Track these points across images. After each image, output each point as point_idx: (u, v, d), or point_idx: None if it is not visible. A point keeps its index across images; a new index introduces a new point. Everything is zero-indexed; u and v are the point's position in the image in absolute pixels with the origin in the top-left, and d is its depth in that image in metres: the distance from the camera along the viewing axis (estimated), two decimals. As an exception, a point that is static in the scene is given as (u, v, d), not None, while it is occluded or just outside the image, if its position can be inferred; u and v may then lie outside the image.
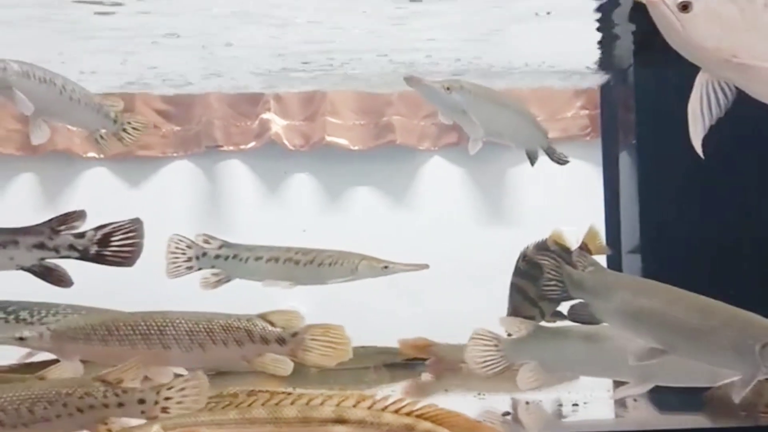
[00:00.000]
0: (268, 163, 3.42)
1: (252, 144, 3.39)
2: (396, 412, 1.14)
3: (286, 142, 3.37)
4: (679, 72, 1.15)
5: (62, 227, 1.59)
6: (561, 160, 2.10)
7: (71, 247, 1.58)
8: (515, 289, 2.15)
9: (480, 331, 1.93)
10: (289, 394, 1.18)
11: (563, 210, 3.21)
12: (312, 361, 1.64)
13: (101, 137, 1.82)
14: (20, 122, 3.33)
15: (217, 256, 1.87)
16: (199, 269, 1.88)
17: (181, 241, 1.88)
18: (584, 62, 2.87)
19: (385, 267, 2.01)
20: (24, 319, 1.86)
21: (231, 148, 3.40)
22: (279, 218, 3.38)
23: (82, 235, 1.60)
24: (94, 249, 1.60)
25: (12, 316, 1.86)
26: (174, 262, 1.88)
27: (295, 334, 1.64)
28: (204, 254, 1.87)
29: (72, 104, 1.72)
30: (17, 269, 1.59)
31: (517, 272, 2.15)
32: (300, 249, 1.92)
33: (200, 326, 1.61)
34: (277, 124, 3.35)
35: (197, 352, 1.59)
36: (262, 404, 1.12)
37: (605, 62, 2.85)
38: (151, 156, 3.41)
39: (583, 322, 1.80)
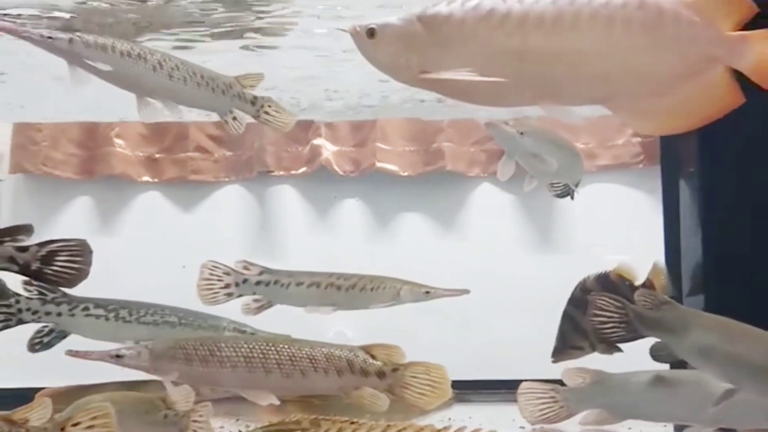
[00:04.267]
0: (319, 188, 3.45)
1: (303, 169, 3.42)
2: None
3: (336, 168, 3.39)
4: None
5: (6, 239, 1.54)
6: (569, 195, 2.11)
7: (11, 259, 1.53)
8: (567, 318, 2.11)
9: (529, 385, 1.92)
10: (360, 423, 1.16)
11: (613, 238, 3.16)
12: (409, 400, 1.63)
13: (233, 118, 1.77)
14: (78, 147, 3.42)
15: (258, 282, 1.88)
16: (240, 296, 1.88)
17: (215, 267, 1.89)
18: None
19: (427, 292, 1.99)
20: (123, 318, 1.88)
21: (282, 173, 3.43)
22: (328, 243, 3.40)
23: (24, 249, 1.54)
24: (35, 265, 1.53)
25: (112, 314, 1.89)
26: (210, 289, 1.88)
27: (395, 370, 1.63)
28: (244, 281, 1.87)
29: (175, 83, 1.68)
30: None
31: (572, 301, 2.11)
32: (342, 274, 1.91)
33: (303, 352, 1.60)
34: (328, 150, 3.38)
35: (297, 379, 1.59)
36: None
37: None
38: (203, 180, 3.46)
39: (665, 362, 1.78)
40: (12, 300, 1.83)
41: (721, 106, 1.09)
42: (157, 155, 3.46)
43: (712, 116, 1.11)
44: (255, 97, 1.79)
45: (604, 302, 1.72)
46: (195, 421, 1.49)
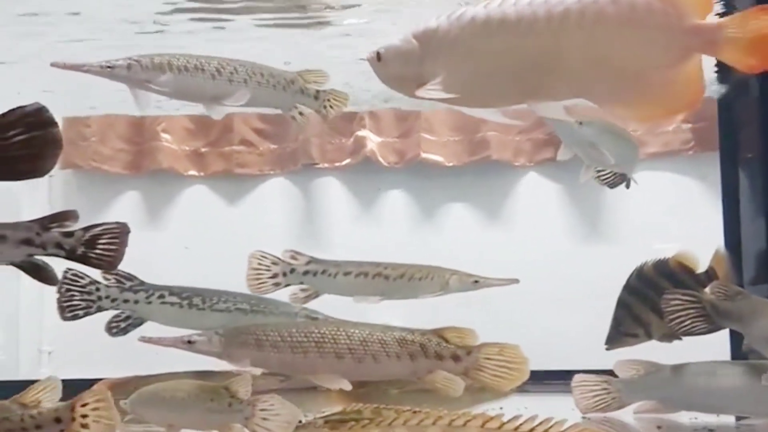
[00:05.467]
0: (363, 179, 3.44)
1: (347, 161, 3.42)
2: None
3: (380, 159, 3.38)
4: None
5: (53, 225, 1.56)
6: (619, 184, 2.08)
7: (58, 245, 1.55)
8: (622, 305, 2.08)
9: (582, 377, 1.90)
10: (422, 412, 1.15)
11: (663, 227, 3.10)
12: (484, 382, 1.61)
13: (299, 114, 1.80)
14: (126, 142, 3.46)
15: (306, 272, 1.88)
16: (287, 285, 1.89)
17: (264, 257, 1.90)
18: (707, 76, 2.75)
19: (476, 281, 1.98)
20: (196, 305, 1.91)
21: (326, 165, 3.44)
22: (373, 235, 3.39)
23: (70, 234, 1.56)
24: (80, 249, 1.56)
25: (186, 302, 1.92)
26: (258, 279, 1.89)
27: (469, 352, 1.61)
28: (292, 270, 1.88)
29: (236, 86, 1.71)
30: (6, 264, 1.59)
31: (628, 288, 2.08)
32: (389, 264, 1.91)
33: (374, 337, 1.60)
34: (372, 141, 3.37)
35: (369, 364, 1.59)
36: (404, 423, 1.08)
37: (724, 73, 2.72)
38: (248, 174, 3.48)
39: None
40: (92, 288, 1.87)
41: (686, 100, 1.11)
42: (203, 149, 3.48)
43: (693, 105, 1.13)
44: (318, 92, 1.80)
45: (678, 298, 1.70)
46: (263, 409, 1.49)
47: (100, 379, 2.22)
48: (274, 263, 1.87)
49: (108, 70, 1.67)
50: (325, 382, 1.57)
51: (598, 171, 2.01)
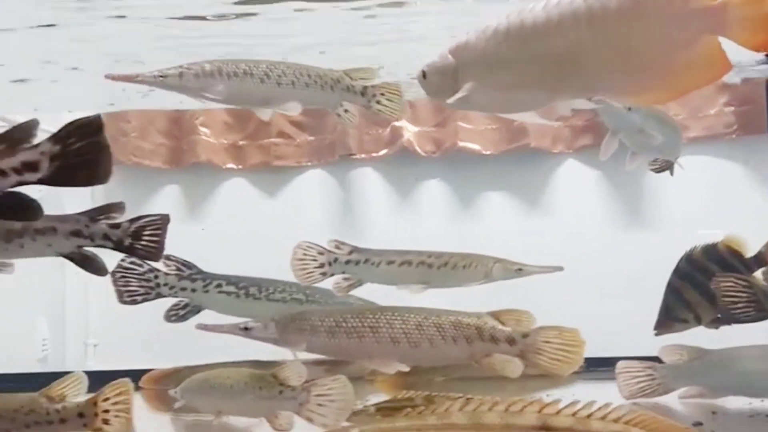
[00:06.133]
0: (400, 170, 3.44)
1: (384, 151, 3.42)
2: (602, 418, 1.08)
3: (417, 149, 3.38)
4: None
5: (100, 217, 1.62)
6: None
7: (106, 236, 1.60)
8: (671, 289, 2.06)
9: (625, 364, 1.89)
10: (473, 399, 1.15)
11: (705, 212, 3.07)
12: (542, 365, 1.60)
13: (345, 111, 1.81)
14: (165, 137, 3.49)
15: (348, 261, 1.89)
16: (331, 275, 1.90)
17: (310, 248, 1.91)
18: (753, 56, 2.70)
19: (519, 269, 1.97)
20: (252, 295, 1.94)
21: (363, 156, 3.44)
22: (411, 225, 3.39)
23: (117, 226, 1.62)
24: (127, 240, 1.61)
25: (242, 291, 1.95)
26: (304, 269, 1.90)
27: (526, 335, 1.60)
28: (335, 260, 1.89)
29: (284, 89, 1.74)
30: (56, 255, 1.64)
31: (677, 272, 2.06)
32: (433, 252, 1.91)
33: (430, 321, 1.59)
34: (409, 131, 3.37)
35: (425, 348, 1.58)
36: (460, 409, 1.09)
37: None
38: (286, 166, 3.50)
39: None
40: (151, 275, 1.91)
41: (709, 75, 1.13)
42: (241, 142, 3.51)
43: (701, 85, 1.15)
44: (365, 88, 1.81)
45: (730, 283, 1.69)
46: (318, 395, 1.51)
47: (147, 370, 2.25)
48: (319, 253, 1.88)
49: (161, 80, 1.70)
50: (380, 367, 1.57)
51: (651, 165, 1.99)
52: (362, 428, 1.06)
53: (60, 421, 1.37)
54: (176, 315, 1.95)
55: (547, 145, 3.32)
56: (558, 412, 1.10)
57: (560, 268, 2.01)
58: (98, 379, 2.05)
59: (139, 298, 1.92)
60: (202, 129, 3.45)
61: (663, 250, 2.88)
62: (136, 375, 2.28)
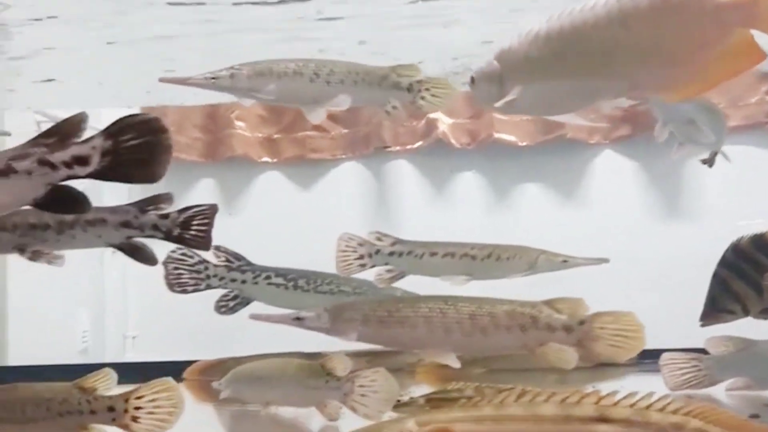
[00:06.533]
0: (435, 162, 3.44)
1: (419, 144, 3.42)
2: (661, 410, 1.07)
3: (452, 141, 3.37)
4: None
5: (149, 208, 1.63)
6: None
7: (155, 227, 1.61)
8: (718, 280, 2.03)
9: (670, 356, 1.87)
10: (525, 391, 1.14)
11: (745, 202, 3.03)
12: (600, 353, 1.56)
13: (393, 108, 1.82)
14: (201, 130, 3.52)
15: (391, 253, 1.88)
16: (373, 266, 1.90)
17: (351, 239, 1.91)
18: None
19: (564, 261, 1.96)
20: (301, 287, 1.95)
21: (398, 148, 3.44)
22: (446, 217, 3.39)
23: (166, 216, 1.62)
24: (176, 231, 1.62)
25: (291, 284, 1.96)
26: (345, 260, 1.90)
27: (582, 323, 1.57)
28: (377, 251, 1.89)
29: (334, 87, 1.74)
30: (107, 246, 1.65)
31: (724, 263, 2.03)
32: (476, 244, 1.90)
33: (483, 310, 1.57)
34: (444, 123, 3.36)
35: (478, 337, 1.56)
36: (516, 400, 1.08)
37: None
38: (321, 159, 3.51)
39: None
40: (201, 266, 1.93)
41: (742, 65, 1.15)
42: (276, 135, 3.52)
43: (732, 76, 1.17)
44: (411, 84, 1.81)
45: None
46: (362, 385, 1.51)
47: (185, 362, 2.27)
48: (360, 245, 1.88)
49: (212, 81, 1.71)
50: (433, 357, 1.57)
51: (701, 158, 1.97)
52: (417, 419, 1.05)
53: (90, 412, 1.39)
54: (225, 306, 1.96)
55: (583, 135, 3.30)
56: (616, 404, 1.08)
57: (606, 260, 1.99)
58: (137, 371, 2.08)
59: (189, 288, 1.94)
60: (238, 123, 3.47)
61: (702, 242, 2.85)
62: (173, 367, 2.31)
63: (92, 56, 2.39)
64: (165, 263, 1.95)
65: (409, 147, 3.43)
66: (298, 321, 1.61)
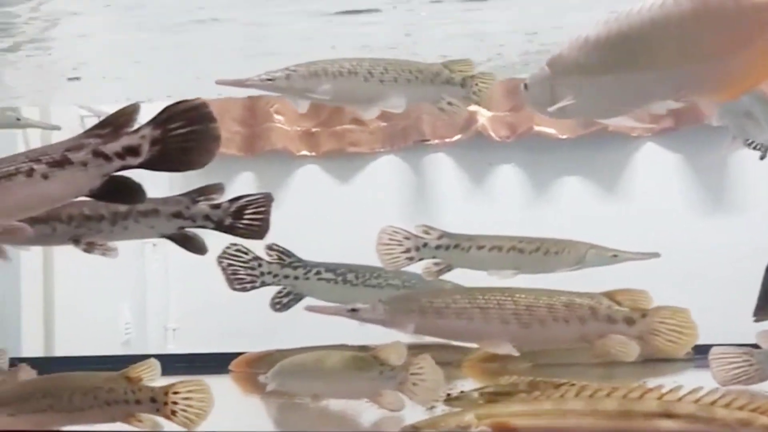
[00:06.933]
0: (474, 155, 3.42)
1: (458, 137, 3.40)
2: (727, 405, 1.05)
3: (492, 134, 3.35)
4: None
5: (200, 198, 1.63)
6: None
7: (206, 217, 1.61)
8: None
9: (720, 350, 1.83)
10: (583, 386, 1.13)
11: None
12: (658, 347, 1.54)
13: (448, 104, 1.81)
14: (241, 124, 3.53)
15: (438, 246, 1.87)
16: (420, 259, 1.89)
17: (396, 232, 1.89)
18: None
19: (614, 256, 1.93)
20: (350, 281, 1.96)
21: (437, 141, 3.43)
22: (485, 211, 3.37)
23: (217, 206, 1.62)
24: (228, 220, 1.61)
25: (340, 278, 1.96)
26: (390, 254, 1.89)
27: (644, 315, 1.54)
28: (424, 245, 1.87)
29: (387, 86, 1.74)
30: (159, 237, 1.65)
31: None
32: (524, 237, 1.88)
33: (541, 301, 1.55)
34: (483, 116, 3.34)
35: (536, 329, 1.54)
36: (576, 395, 1.07)
37: None
38: (359, 152, 3.50)
39: None
40: (255, 263, 1.93)
41: None
42: (315, 129, 3.52)
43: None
44: (464, 79, 1.80)
45: None
46: (414, 374, 1.51)
47: (225, 354, 2.28)
48: (406, 238, 1.86)
49: (268, 83, 1.71)
50: (490, 348, 1.55)
51: (748, 141, 1.93)
52: (477, 412, 1.05)
53: (135, 402, 1.42)
54: (280, 303, 1.96)
55: (625, 128, 3.26)
56: (680, 399, 1.07)
57: (657, 255, 1.96)
58: (178, 362, 2.09)
59: (248, 285, 1.95)
60: (277, 116, 3.48)
61: (748, 235, 2.81)
62: (213, 359, 2.32)
63: (133, 52, 2.41)
64: (220, 261, 1.95)
65: (447, 140, 3.41)
66: (353, 313, 1.60)
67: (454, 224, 3.27)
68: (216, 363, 2.24)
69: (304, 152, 3.52)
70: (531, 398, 1.12)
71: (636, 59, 1.23)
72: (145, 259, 3.37)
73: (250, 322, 2.52)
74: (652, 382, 1.73)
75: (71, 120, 2.78)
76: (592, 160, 3.30)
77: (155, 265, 3.39)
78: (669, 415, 1.06)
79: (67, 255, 2.88)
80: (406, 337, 1.64)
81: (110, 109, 1.40)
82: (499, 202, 3.40)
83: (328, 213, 3.44)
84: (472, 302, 1.55)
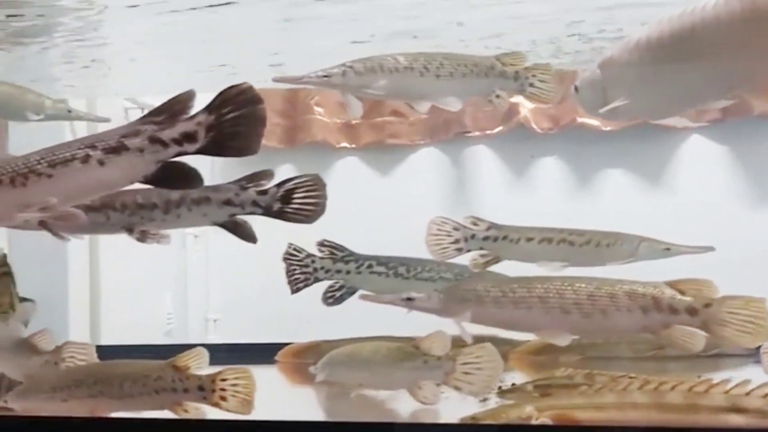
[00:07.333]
0: (515, 147, 3.39)
1: (499, 128, 3.37)
2: None
3: (534, 126, 3.32)
4: None
5: (249, 185, 1.62)
6: None
7: (255, 203, 1.60)
8: None
9: None
10: (638, 378, 1.11)
11: None
12: (727, 338, 1.50)
13: (497, 97, 1.80)
14: (281, 116, 3.53)
15: (486, 238, 1.85)
16: (468, 251, 1.87)
17: (445, 223, 1.88)
18: None
19: (667, 249, 1.89)
20: (401, 274, 1.96)
21: (477, 133, 3.40)
22: (526, 203, 3.34)
23: (265, 192, 1.61)
24: (276, 205, 1.60)
25: (392, 271, 1.96)
26: (439, 244, 1.88)
27: (708, 305, 1.51)
28: (473, 236, 1.86)
29: (443, 81, 1.72)
30: (211, 225, 1.65)
31: None
32: (574, 230, 1.85)
33: (602, 291, 1.52)
34: (525, 108, 3.31)
35: (597, 319, 1.51)
36: (640, 388, 1.05)
37: None
38: (399, 144, 3.49)
39: None
40: (308, 260, 1.93)
41: None
42: (355, 121, 3.51)
43: None
44: (517, 73, 1.78)
45: None
46: (465, 363, 1.50)
47: (264, 344, 2.29)
48: (455, 228, 1.85)
49: (325, 80, 1.70)
50: (550, 339, 1.53)
51: None
52: (537, 405, 1.03)
53: (183, 390, 1.43)
54: (333, 297, 1.96)
55: (671, 120, 3.21)
56: (748, 393, 1.04)
57: (711, 248, 1.92)
58: (218, 352, 2.10)
59: (301, 285, 1.95)
60: (317, 108, 3.47)
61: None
62: (254, 349, 2.33)
63: (176, 43, 2.41)
64: (286, 261, 1.96)
65: (488, 132, 3.39)
66: (408, 302, 1.59)
67: (494, 217, 3.25)
68: (257, 353, 2.25)
69: (344, 144, 3.52)
70: (592, 391, 1.10)
71: (689, 60, 1.25)
72: (186, 250, 3.39)
73: (289, 313, 2.52)
74: (706, 377, 1.71)
75: (116, 112, 2.80)
76: (637, 153, 3.25)
77: (196, 257, 3.41)
78: (737, 410, 1.04)
79: (112, 247, 2.92)
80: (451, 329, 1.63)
81: (154, 101, 1.40)
82: (540, 194, 3.37)
83: (368, 205, 3.43)
84: (531, 291, 1.52)
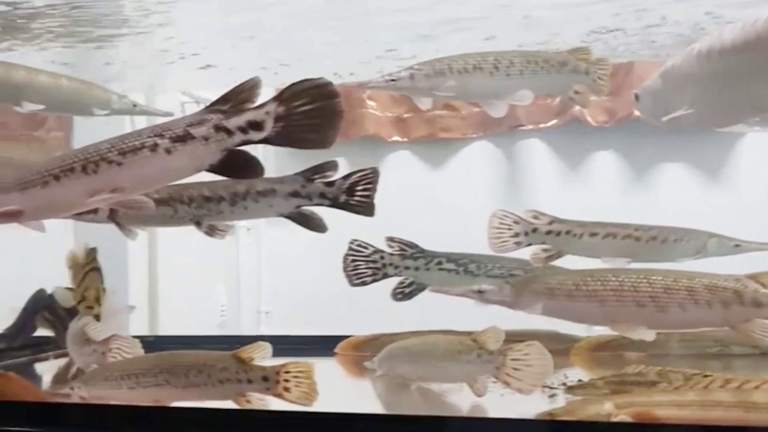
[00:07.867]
0: (569, 140, 3.35)
1: (553, 122, 3.33)
2: None
3: (589, 119, 3.27)
4: None
5: (315, 176, 1.63)
6: None
7: (322, 195, 1.62)
8: None
9: None
10: (714, 376, 1.08)
11: None
12: None
13: (575, 92, 1.78)
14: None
15: (549, 232, 1.82)
16: (529, 245, 1.84)
17: (506, 216, 1.85)
18: None
19: (737, 245, 1.84)
20: (471, 271, 1.95)
21: (531, 126, 3.37)
22: (581, 197, 3.30)
23: (331, 184, 1.63)
24: (342, 197, 1.62)
25: (462, 268, 1.95)
26: (499, 237, 1.85)
27: None
28: (534, 230, 1.83)
29: (513, 79, 1.71)
30: (277, 216, 1.66)
31: None
32: (640, 225, 1.81)
33: (680, 284, 1.49)
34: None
35: (674, 312, 1.48)
36: (722, 386, 1.02)
37: None
38: (452, 138, 3.47)
39: None
40: (377, 256, 1.93)
41: None
42: (406, 115, 3.50)
43: None
44: (587, 67, 1.75)
45: None
46: (514, 359, 1.48)
47: (315, 337, 2.29)
48: (515, 222, 1.82)
49: (392, 83, 1.70)
50: (625, 332, 1.50)
51: None
52: (616, 401, 1.01)
53: (247, 381, 1.44)
54: (402, 293, 1.95)
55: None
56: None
57: None
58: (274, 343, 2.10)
59: (368, 279, 1.94)
60: (369, 102, 3.46)
61: None
62: (304, 341, 2.33)
63: (232, 39, 2.42)
64: (345, 257, 1.96)
65: (542, 125, 3.35)
66: (479, 294, 1.58)
67: (548, 211, 3.22)
68: (307, 346, 2.25)
69: (396, 138, 3.51)
70: (672, 388, 1.07)
71: (750, 70, 1.25)
72: (239, 243, 3.41)
73: (339, 307, 2.52)
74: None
75: (173, 106, 2.82)
76: (695, 148, 3.19)
77: (249, 250, 3.42)
78: None
79: (169, 242, 2.94)
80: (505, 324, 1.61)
81: (210, 95, 1.40)
82: (595, 188, 3.32)
83: (420, 198, 3.41)
84: (604, 284, 1.49)
